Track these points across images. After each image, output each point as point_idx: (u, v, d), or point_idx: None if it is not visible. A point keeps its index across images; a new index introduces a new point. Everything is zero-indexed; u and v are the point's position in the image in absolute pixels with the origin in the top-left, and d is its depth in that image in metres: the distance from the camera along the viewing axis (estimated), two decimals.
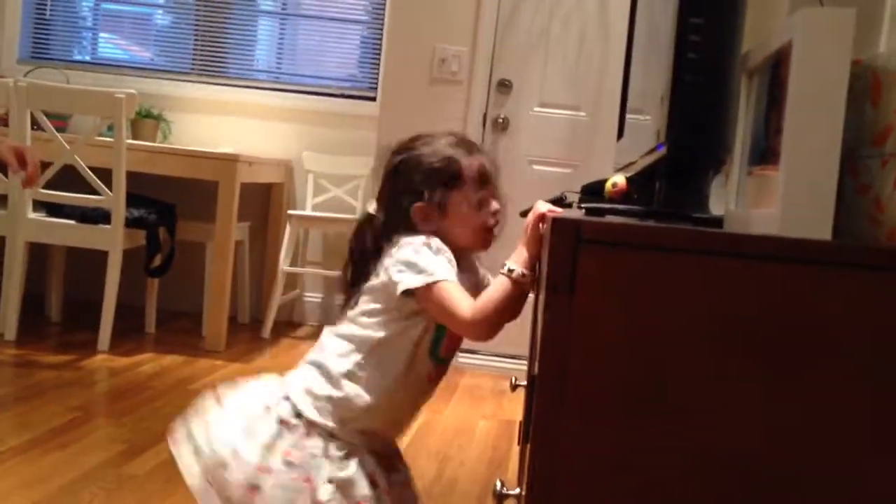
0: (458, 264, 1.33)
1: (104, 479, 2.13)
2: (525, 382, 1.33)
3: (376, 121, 3.87)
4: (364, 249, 1.37)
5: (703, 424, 0.83)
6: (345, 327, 1.35)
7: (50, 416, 2.55)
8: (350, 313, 1.35)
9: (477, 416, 3.07)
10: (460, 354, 3.92)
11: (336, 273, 4.28)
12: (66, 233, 3.43)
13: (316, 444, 1.29)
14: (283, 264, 4.00)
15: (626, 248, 0.83)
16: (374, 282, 1.33)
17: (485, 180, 1.35)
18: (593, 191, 1.84)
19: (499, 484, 1.26)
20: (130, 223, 3.44)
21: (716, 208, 1.35)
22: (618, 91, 2.28)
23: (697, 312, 0.82)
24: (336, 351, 1.33)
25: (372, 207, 1.40)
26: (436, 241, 1.30)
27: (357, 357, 1.31)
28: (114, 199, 3.33)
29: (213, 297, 3.60)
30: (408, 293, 1.26)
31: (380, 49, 4.32)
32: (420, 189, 1.32)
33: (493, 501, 1.25)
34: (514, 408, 3.09)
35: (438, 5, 3.96)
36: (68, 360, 3.22)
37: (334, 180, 4.27)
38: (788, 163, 0.85)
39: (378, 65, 4.34)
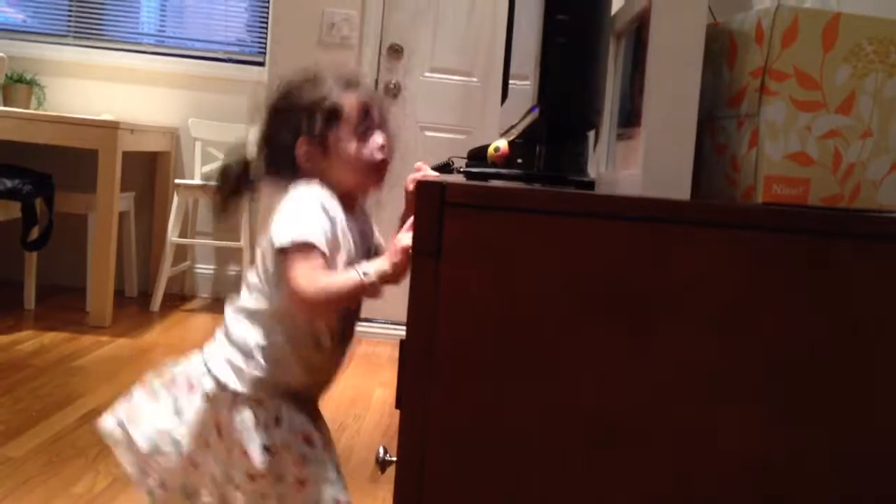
0: (350, 208, 1.31)
1: None
2: None
3: (265, 86, 3.77)
4: (231, 186, 1.36)
5: (569, 384, 0.84)
6: (245, 296, 1.32)
7: None
8: (248, 279, 1.33)
9: (374, 384, 3.06)
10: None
11: (227, 244, 4.18)
12: None
13: (245, 414, 1.27)
14: (172, 235, 3.88)
15: (490, 210, 0.83)
16: (264, 246, 1.29)
17: (366, 115, 1.31)
18: (478, 156, 1.85)
19: (381, 451, 1.26)
20: (3, 195, 3.27)
21: (595, 173, 1.37)
22: None
23: (561, 274, 0.83)
24: (243, 323, 1.30)
25: (251, 149, 1.36)
26: (323, 198, 1.26)
27: (264, 328, 1.28)
28: None
29: (97, 271, 3.47)
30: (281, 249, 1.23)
31: (268, 12, 4.20)
32: (300, 127, 1.29)
33: (376, 468, 1.25)
34: None
35: None
36: None
37: (223, 148, 4.14)
38: (648, 124, 0.86)
39: (266, 28, 4.22)
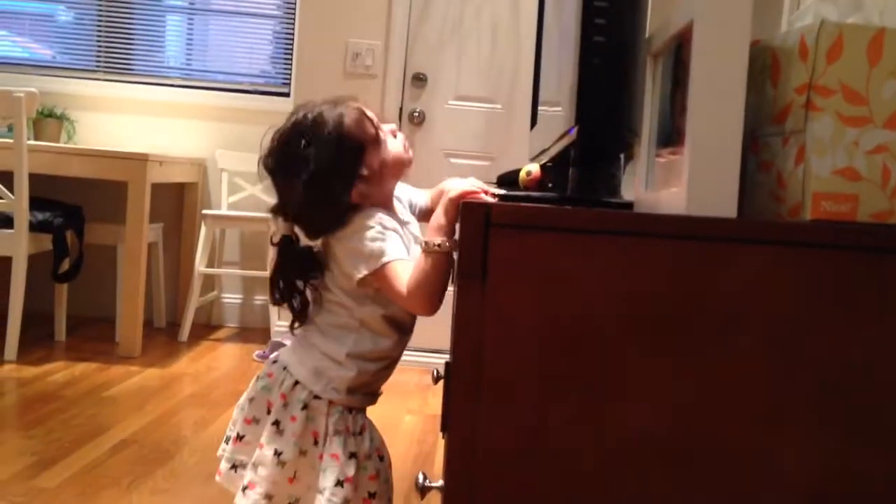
0: (391, 210, 1.40)
1: (14, 494, 2.04)
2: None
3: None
4: (306, 271, 1.39)
5: (615, 405, 0.83)
6: (327, 316, 1.38)
7: None
8: (326, 302, 1.38)
9: (402, 411, 3.04)
10: None
11: (254, 273, 4.20)
12: None
13: (337, 420, 1.35)
14: (200, 265, 3.91)
15: (535, 230, 0.83)
16: (334, 271, 1.36)
17: (371, 120, 1.37)
18: (509, 180, 1.85)
19: (421, 477, 1.25)
20: (35, 227, 3.31)
21: (629, 194, 1.36)
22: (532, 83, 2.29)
23: (607, 293, 0.82)
24: (328, 336, 1.37)
25: (282, 227, 1.38)
26: (375, 216, 1.32)
27: (352, 335, 1.36)
28: (16, 202, 3.19)
29: (127, 302, 3.49)
30: (365, 278, 1.31)
31: (292, 44, 4.25)
32: (349, 180, 1.33)
33: (416, 495, 1.24)
34: (439, 402, 3.08)
35: None
36: None
37: (250, 178, 4.19)
38: (693, 142, 0.86)
39: (291, 60, 4.27)
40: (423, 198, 1.54)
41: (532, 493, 0.84)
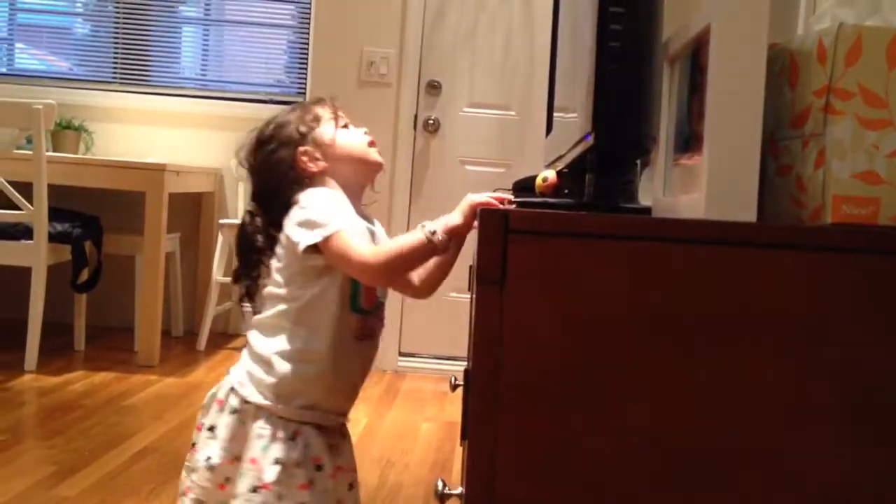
0: (356, 209, 1.38)
1: (35, 503, 2.05)
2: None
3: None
4: (255, 248, 1.39)
5: (636, 411, 0.83)
6: (264, 311, 1.36)
7: None
8: (266, 295, 1.36)
9: (419, 419, 3.05)
10: (400, 358, 3.90)
11: None
12: None
13: (263, 426, 1.30)
14: (217, 275, 3.92)
15: (553, 236, 0.83)
16: (278, 251, 1.34)
17: (338, 115, 1.41)
18: (525, 187, 1.85)
19: (440, 484, 1.25)
20: (54, 238, 3.33)
21: (646, 200, 1.36)
22: (547, 89, 2.29)
23: (626, 298, 0.82)
24: (262, 334, 1.35)
25: (251, 206, 1.42)
26: (325, 191, 1.33)
27: (283, 334, 1.32)
28: (35, 213, 3.22)
29: (145, 311, 3.51)
30: (310, 249, 1.27)
31: (307, 53, 4.27)
32: (291, 142, 1.36)
33: (435, 502, 1.24)
34: (456, 409, 3.07)
35: (364, 8, 3.93)
36: None
37: None
38: (711, 146, 0.85)
39: (306, 69, 4.29)
40: None
41: (553, 499, 0.84)
